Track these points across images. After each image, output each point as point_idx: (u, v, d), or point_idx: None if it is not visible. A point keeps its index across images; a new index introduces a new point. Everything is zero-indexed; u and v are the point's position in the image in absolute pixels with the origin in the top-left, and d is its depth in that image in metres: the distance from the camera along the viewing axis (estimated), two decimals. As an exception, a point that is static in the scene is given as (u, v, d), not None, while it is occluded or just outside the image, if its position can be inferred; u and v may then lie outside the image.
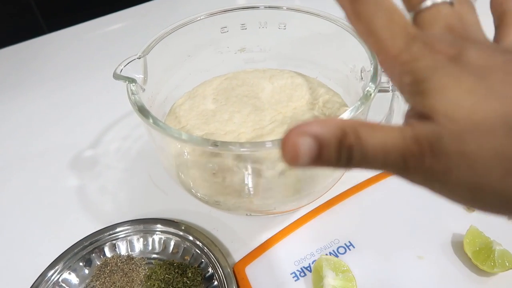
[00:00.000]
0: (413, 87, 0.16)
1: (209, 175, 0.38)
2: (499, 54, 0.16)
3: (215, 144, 0.31)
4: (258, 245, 0.43)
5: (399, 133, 0.16)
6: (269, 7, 0.46)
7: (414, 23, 0.19)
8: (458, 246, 0.42)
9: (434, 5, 0.18)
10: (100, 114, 0.61)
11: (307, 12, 0.45)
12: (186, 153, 0.40)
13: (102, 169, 0.53)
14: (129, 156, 0.54)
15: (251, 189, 0.37)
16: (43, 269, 0.40)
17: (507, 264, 0.39)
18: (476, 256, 0.40)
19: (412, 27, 0.17)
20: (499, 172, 0.15)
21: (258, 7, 0.46)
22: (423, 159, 0.16)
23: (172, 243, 0.43)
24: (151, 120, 0.33)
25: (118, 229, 0.44)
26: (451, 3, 0.18)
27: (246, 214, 0.40)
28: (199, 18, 0.45)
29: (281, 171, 0.36)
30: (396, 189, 0.48)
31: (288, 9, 0.45)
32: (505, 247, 0.40)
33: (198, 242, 0.42)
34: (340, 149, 0.16)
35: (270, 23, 0.47)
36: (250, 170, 0.35)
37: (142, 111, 0.34)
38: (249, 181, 0.36)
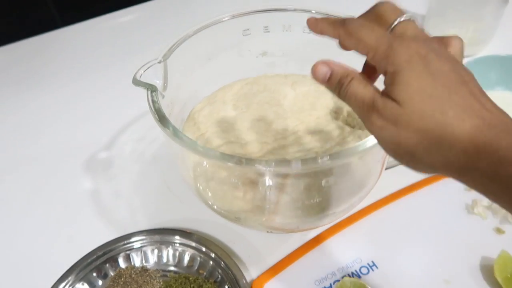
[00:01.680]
0: (390, 76, 0.23)
1: (230, 188, 0.36)
2: (449, 62, 0.23)
3: (240, 161, 0.29)
4: (277, 261, 0.41)
5: (372, 93, 0.24)
6: (296, 9, 0.43)
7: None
8: (488, 270, 0.39)
9: (402, 21, 0.25)
10: (116, 112, 0.59)
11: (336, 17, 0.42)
12: (205, 163, 0.38)
13: (116, 172, 0.51)
14: (144, 159, 0.53)
15: (273, 206, 0.35)
16: (55, 281, 0.39)
17: (542, 292, 0.37)
18: (508, 283, 0.38)
19: (393, 35, 0.25)
20: (415, 140, 0.22)
21: (284, 10, 0.44)
22: (371, 114, 0.24)
23: (188, 255, 0.42)
24: (172, 133, 0.31)
25: (132, 239, 0.42)
26: (411, 20, 0.25)
27: (267, 231, 0.38)
28: (222, 20, 0.43)
29: (304, 188, 0.35)
30: (422, 206, 0.46)
31: (316, 13, 0.42)
32: (539, 274, 0.38)
33: (214, 256, 0.41)
34: (338, 82, 0.25)
35: (295, 26, 0.45)
36: (273, 187, 0.33)
37: (163, 121, 0.32)
38: (272, 198, 0.34)
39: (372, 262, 0.41)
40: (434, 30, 0.67)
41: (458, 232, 0.43)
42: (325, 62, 0.26)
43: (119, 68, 0.67)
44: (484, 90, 0.61)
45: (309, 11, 0.43)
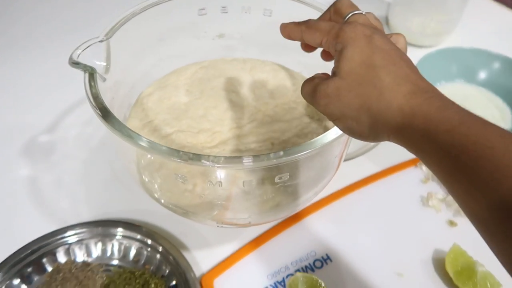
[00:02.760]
0: (338, 54, 0.25)
1: (178, 181, 0.34)
2: (391, 44, 0.26)
3: (186, 157, 0.26)
4: (229, 254, 0.40)
5: (314, 84, 0.27)
6: (256, -10, 0.41)
7: None
8: (439, 264, 0.40)
9: (354, 14, 0.28)
10: (62, 91, 0.54)
11: (299, 1, 0.40)
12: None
13: (59, 158, 0.48)
14: (91, 145, 0.49)
15: (224, 201, 0.33)
16: (-18, 279, 0.35)
17: (489, 286, 0.37)
18: (458, 277, 0.38)
19: (345, 22, 0.27)
20: (356, 105, 0.25)
21: (243, -11, 0.41)
22: (316, 97, 0.26)
23: (134, 249, 0.39)
24: (112, 124, 0.28)
25: (72, 232, 0.39)
26: (363, 14, 0.28)
27: (217, 226, 0.36)
28: (174, -3, 0.39)
29: (258, 183, 0.33)
30: (378, 198, 0.45)
31: (276, -5, 0.40)
32: (488, 268, 0.38)
33: (162, 249, 0.39)
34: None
35: (255, 8, 0.42)
36: (224, 182, 0.31)
37: (102, 110, 0.29)
38: (223, 193, 0.32)
39: (326, 255, 0.40)
40: (398, 18, 0.67)
41: (412, 224, 0.43)
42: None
43: (68, 39, 0.61)
44: (445, 82, 0.61)
45: (269, -8, 0.40)
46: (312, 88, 0.27)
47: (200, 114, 0.40)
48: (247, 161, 0.26)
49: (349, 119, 0.25)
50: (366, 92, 0.24)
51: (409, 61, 0.25)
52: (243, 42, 0.46)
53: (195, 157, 0.26)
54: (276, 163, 0.27)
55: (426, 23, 0.64)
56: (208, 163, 0.26)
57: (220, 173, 0.30)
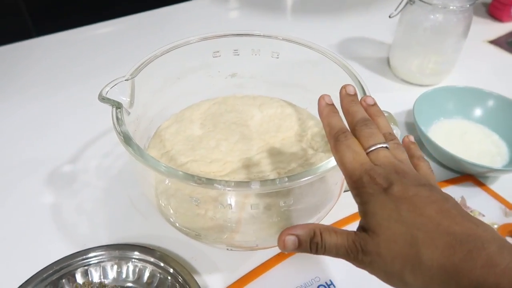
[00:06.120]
0: (360, 207, 0.27)
1: (192, 205, 0.37)
2: (413, 187, 0.25)
3: (200, 181, 0.30)
4: (237, 278, 0.42)
5: (347, 236, 0.26)
6: (264, 35, 0.45)
7: (368, 157, 0.28)
8: None
9: (376, 149, 0.28)
10: (83, 127, 0.59)
11: (302, 44, 0.44)
12: (167, 181, 0.38)
13: (80, 187, 0.51)
14: (110, 175, 0.53)
15: (234, 224, 0.36)
16: (8, 296, 0.38)
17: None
18: None
19: (366, 163, 0.27)
20: (398, 266, 0.24)
21: (252, 35, 0.45)
22: (358, 254, 0.26)
23: (148, 272, 0.42)
24: (134, 151, 0.32)
25: (91, 254, 0.42)
26: (387, 147, 0.29)
27: (227, 249, 0.38)
28: (190, 42, 0.44)
29: (264, 207, 0.35)
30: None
31: (283, 39, 0.44)
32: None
33: (174, 272, 0.41)
34: (311, 243, 0.27)
35: (264, 51, 0.47)
36: (234, 206, 0.34)
37: (126, 139, 0.33)
38: (232, 216, 0.35)
39: (330, 281, 0.42)
40: (398, 59, 0.71)
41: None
42: (287, 231, 0.28)
43: (89, 81, 0.67)
44: (443, 118, 0.63)
45: (275, 37, 0.45)
46: (351, 242, 0.26)
47: (212, 145, 0.43)
48: (255, 185, 0.29)
49: (397, 279, 0.24)
50: (405, 253, 0.23)
51: (439, 202, 0.24)
52: (253, 81, 0.50)
53: (208, 181, 0.30)
54: (281, 188, 0.30)
55: (424, 64, 0.68)
56: (220, 186, 0.29)
57: (230, 197, 0.33)
